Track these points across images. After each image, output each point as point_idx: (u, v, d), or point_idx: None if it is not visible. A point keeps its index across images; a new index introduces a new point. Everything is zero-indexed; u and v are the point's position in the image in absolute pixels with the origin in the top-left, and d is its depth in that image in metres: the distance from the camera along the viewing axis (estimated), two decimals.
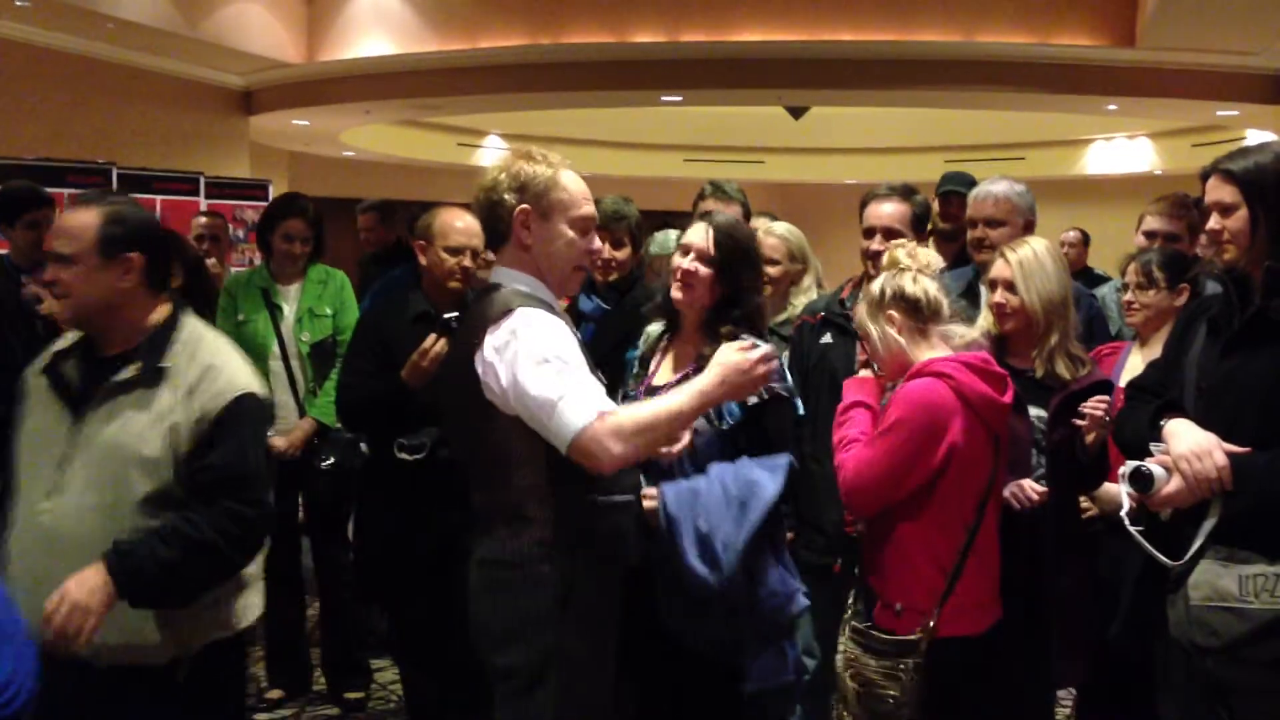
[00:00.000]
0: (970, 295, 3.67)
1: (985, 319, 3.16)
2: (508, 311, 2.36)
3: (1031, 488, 2.88)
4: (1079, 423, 2.92)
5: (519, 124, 13.84)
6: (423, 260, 3.57)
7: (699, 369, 2.54)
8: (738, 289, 2.82)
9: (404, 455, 3.42)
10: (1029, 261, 3.05)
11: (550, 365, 2.29)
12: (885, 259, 2.89)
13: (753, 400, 2.70)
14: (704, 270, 2.81)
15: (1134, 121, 12.54)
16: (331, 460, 3.96)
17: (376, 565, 3.66)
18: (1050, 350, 3.02)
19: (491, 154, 14.70)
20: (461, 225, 3.53)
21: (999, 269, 3.09)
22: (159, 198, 8.68)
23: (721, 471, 2.68)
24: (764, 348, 2.48)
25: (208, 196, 9.01)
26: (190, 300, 4.42)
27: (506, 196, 2.44)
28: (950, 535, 2.66)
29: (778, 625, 2.71)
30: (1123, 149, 13.76)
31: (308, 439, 4.31)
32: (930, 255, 2.87)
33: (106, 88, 9.35)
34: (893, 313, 2.77)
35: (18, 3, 7.57)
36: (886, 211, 3.46)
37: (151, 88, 9.89)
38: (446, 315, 3.39)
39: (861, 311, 2.84)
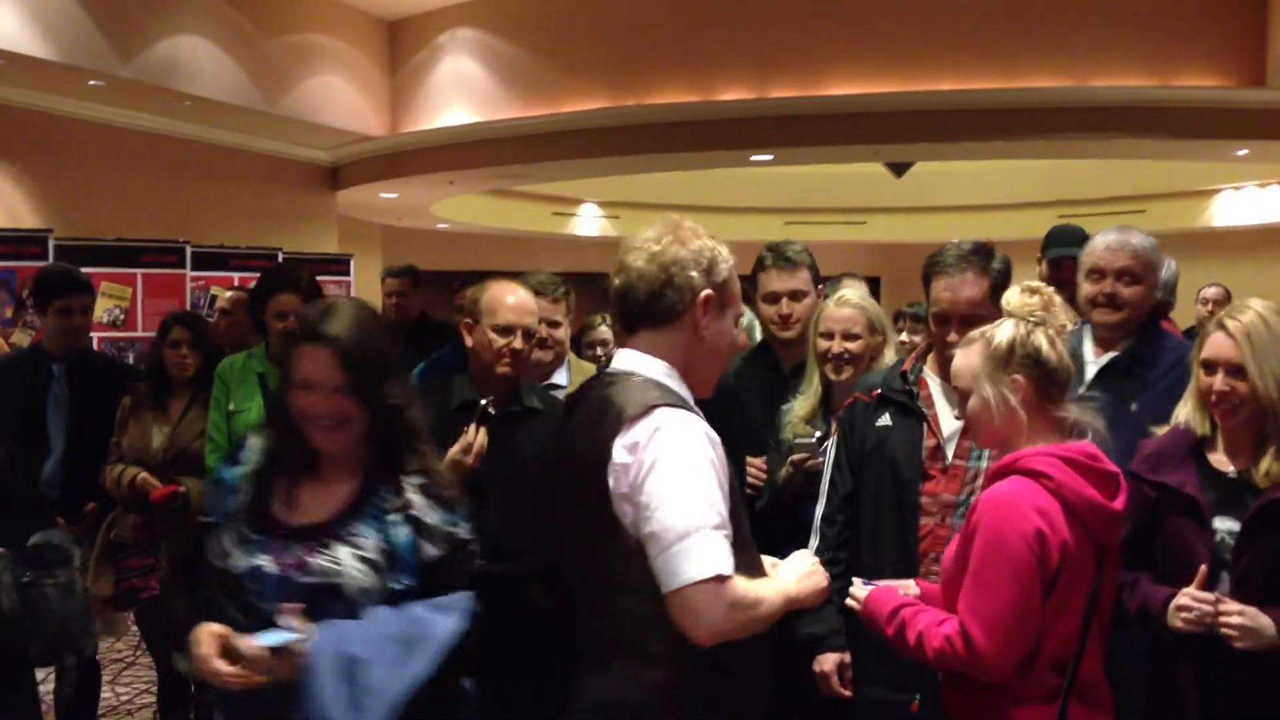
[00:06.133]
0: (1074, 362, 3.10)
1: (1185, 409, 2.52)
2: (648, 409, 2.00)
3: (1204, 598, 2.29)
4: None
5: (614, 191, 13.61)
6: (468, 340, 3.08)
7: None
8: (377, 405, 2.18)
9: None
10: (1259, 333, 2.37)
11: (687, 488, 1.94)
12: (1013, 301, 2.30)
13: (435, 554, 2.14)
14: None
15: (1265, 168, 11.75)
16: None
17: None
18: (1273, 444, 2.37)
19: (588, 222, 14.48)
20: (513, 301, 3.04)
21: (1219, 346, 2.41)
22: (236, 275, 8.56)
23: (377, 614, 2.08)
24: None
25: None
26: (205, 388, 4.13)
27: (694, 275, 2.10)
28: (1051, 666, 2.14)
29: None
30: (1254, 198, 12.91)
31: None
32: (1066, 310, 2.30)
33: (188, 166, 9.30)
34: (1020, 377, 2.20)
35: (91, 83, 7.50)
36: (965, 297, 2.71)
37: (234, 164, 9.84)
38: (483, 401, 2.95)
39: (973, 363, 2.26)
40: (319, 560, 2.09)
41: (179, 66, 7.87)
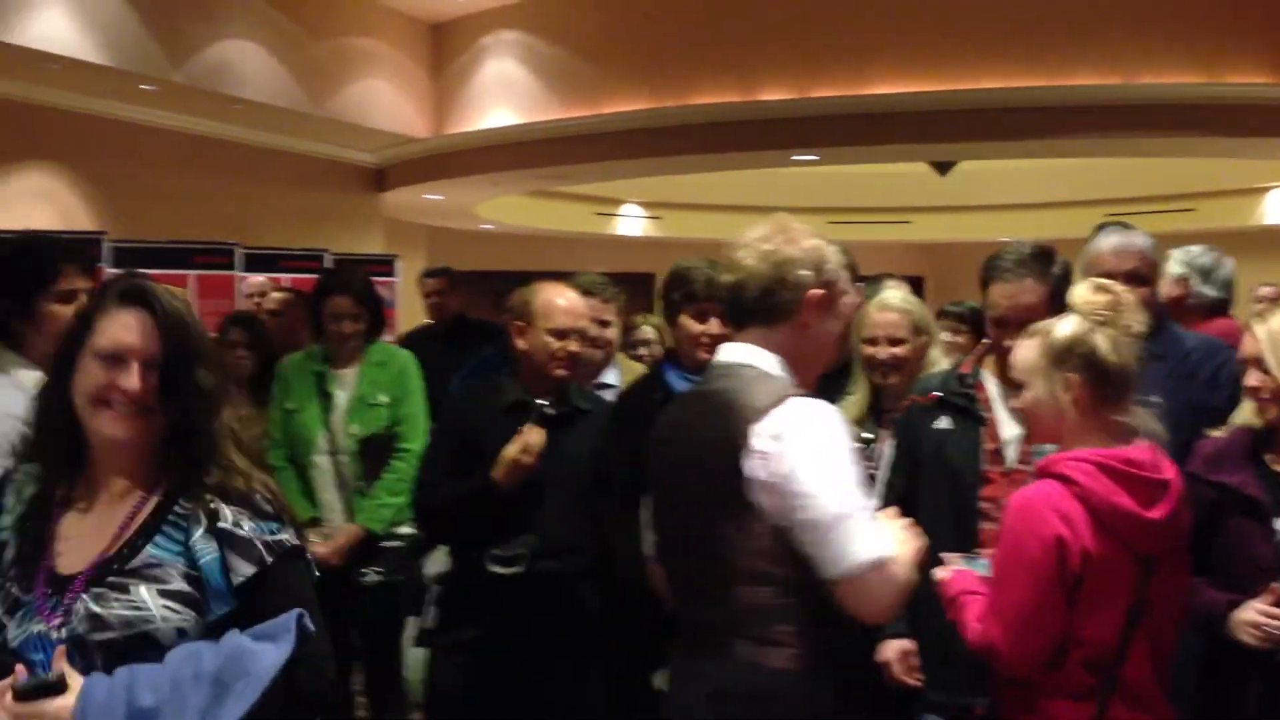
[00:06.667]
0: None
1: (1244, 409, 2.55)
2: (783, 398, 2.07)
3: (1277, 615, 2.27)
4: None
5: (657, 191, 13.61)
6: (520, 344, 3.13)
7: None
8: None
9: (497, 569, 2.95)
10: None
11: (838, 473, 2.01)
12: (1079, 297, 2.31)
13: (249, 571, 1.74)
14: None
15: None
16: (377, 574, 3.51)
17: (450, 701, 3.20)
18: None
19: (630, 223, 14.50)
20: (565, 304, 3.12)
21: (1247, 344, 2.46)
22: (286, 276, 8.65)
23: (189, 649, 1.70)
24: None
25: None
26: (261, 391, 4.17)
27: (805, 274, 2.16)
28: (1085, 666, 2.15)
29: None
30: None
31: (350, 547, 3.79)
32: (1139, 311, 2.29)
33: (237, 168, 9.42)
34: (1074, 376, 2.21)
35: (143, 87, 7.63)
36: (1023, 304, 2.70)
37: (282, 167, 9.97)
38: (540, 402, 3.00)
39: (1030, 357, 2.28)
40: (115, 610, 1.71)
41: (229, 70, 7.99)
